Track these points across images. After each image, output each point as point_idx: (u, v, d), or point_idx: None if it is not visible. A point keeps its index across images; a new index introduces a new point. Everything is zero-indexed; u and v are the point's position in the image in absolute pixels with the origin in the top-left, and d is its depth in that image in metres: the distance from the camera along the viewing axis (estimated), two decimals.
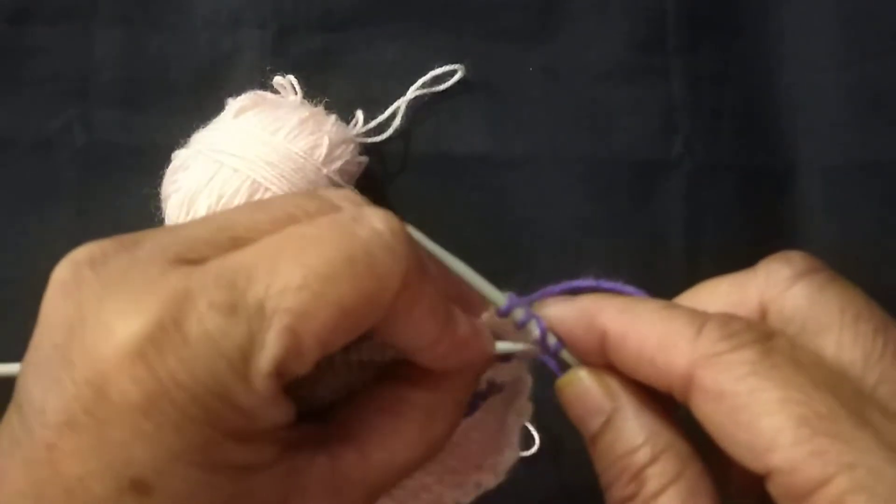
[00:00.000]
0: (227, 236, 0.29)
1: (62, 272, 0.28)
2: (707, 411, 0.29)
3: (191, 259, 0.28)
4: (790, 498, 0.27)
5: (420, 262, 0.29)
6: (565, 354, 0.34)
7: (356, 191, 0.55)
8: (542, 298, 0.34)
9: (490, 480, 0.36)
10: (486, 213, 0.59)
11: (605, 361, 0.33)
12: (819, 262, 0.33)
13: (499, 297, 0.33)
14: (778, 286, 0.33)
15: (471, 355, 0.32)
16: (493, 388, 0.35)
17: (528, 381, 0.35)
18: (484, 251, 0.58)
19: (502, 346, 0.33)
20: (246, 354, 0.26)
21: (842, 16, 0.61)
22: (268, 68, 0.59)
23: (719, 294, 0.34)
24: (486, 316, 0.33)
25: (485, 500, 0.35)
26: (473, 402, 0.35)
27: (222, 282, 0.27)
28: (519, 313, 0.33)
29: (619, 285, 0.35)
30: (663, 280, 0.58)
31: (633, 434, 0.31)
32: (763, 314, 0.33)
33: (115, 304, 0.27)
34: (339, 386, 0.33)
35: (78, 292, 0.28)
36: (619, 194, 0.59)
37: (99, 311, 0.27)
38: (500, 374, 0.35)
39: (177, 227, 0.30)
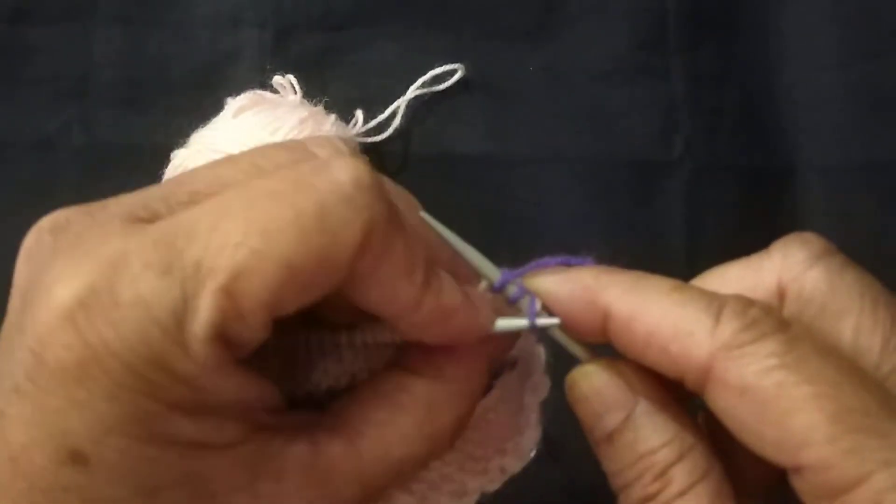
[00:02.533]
0: (185, 191, 0.27)
1: (28, 239, 0.28)
2: (728, 405, 0.28)
3: (142, 217, 0.27)
4: (822, 495, 0.26)
5: (390, 216, 0.26)
6: (558, 333, 0.32)
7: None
8: (535, 270, 0.32)
9: (514, 464, 0.34)
10: (486, 213, 0.59)
11: (603, 341, 0.31)
12: (833, 245, 0.32)
13: (492, 271, 0.32)
14: (796, 267, 0.32)
15: (463, 327, 0.29)
16: (503, 365, 0.34)
17: (542, 354, 0.34)
18: (483, 251, 0.58)
19: (503, 322, 0.31)
20: (180, 318, 0.24)
21: (841, 15, 0.61)
22: (267, 68, 0.59)
23: (730, 278, 0.33)
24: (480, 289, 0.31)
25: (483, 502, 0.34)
26: None
27: (162, 242, 0.25)
28: (512, 289, 0.31)
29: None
30: None
31: (657, 431, 0.30)
32: (781, 296, 0.32)
33: (58, 269, 0.25)
34: (342, 373, 0.31)
35: (36, 258, 0.27)
36: (619, 194, 0.59)
37: (45, 275, 0.26)
38: None
39: (144, 189, 0.29)
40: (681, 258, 0.58)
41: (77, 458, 0.25)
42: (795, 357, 0.27)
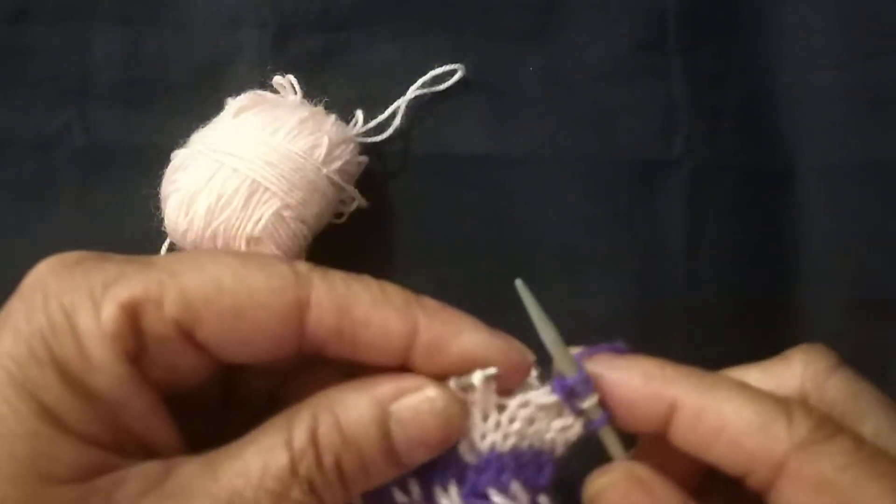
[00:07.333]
0: None
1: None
2: (803, 500, 0.29)
3: None
4: None
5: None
6: (605, 433, 0.33)
7: (356, 191, 0.55)
8: (593, 357, 0.33)
9: None
10: (486, 213, 0.59)
11: (659, 431, 0.32)
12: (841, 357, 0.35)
13: (568, 362, 0.32)
14: (818, 375, 0.34)
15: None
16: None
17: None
18: (484, 251, 0.58)
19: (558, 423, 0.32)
20: (108, 285, 0.29)
21: (842, 15, 0.61)
22: (268, 68, 0.59)
23: (749, 381, 0.33)
24: (528, 394, 0.32)
25: None
26: None
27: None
28: (579, 383, 0.32)
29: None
30: (663, 281, 0.58)
31: None
32: (803, 401, 0.33)
33: None
34: None
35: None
36: (619, 194, 0.59)
37: None
38: None
39: None
40: (680, 259, 0.58)
41: None
42: (867, 454, 0.29)
